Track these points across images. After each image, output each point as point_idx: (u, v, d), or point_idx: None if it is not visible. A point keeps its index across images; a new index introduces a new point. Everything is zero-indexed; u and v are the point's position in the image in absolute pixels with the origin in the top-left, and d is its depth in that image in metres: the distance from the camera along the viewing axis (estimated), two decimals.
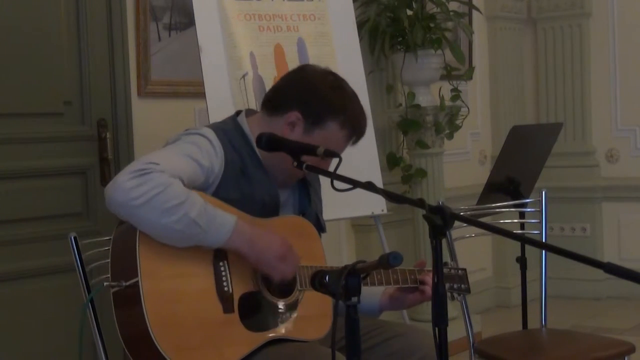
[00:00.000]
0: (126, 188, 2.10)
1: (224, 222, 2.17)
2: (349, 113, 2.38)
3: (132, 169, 2.13)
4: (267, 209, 2.36)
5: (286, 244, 2.25)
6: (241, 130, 2.41)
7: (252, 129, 2.41)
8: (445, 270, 2.46)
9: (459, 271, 2.56)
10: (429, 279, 2.43)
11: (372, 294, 2.48)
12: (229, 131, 2.39)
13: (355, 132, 2.42)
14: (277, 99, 2.43)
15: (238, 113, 2.49)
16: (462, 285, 2.55)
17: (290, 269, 2.25)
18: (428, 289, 2.43)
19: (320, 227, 2.51)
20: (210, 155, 2.28)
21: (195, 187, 2.25)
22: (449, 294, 2.51)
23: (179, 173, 2.18)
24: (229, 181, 2.31)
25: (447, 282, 2.50)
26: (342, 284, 1.87)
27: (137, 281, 2.09)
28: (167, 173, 2.14)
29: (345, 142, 2.41)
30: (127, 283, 2.11)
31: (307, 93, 2.40)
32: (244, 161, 2.35)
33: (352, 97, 2.43)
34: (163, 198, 2.10)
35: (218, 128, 2.38)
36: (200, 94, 3.33)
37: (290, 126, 2.38)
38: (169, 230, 2.11)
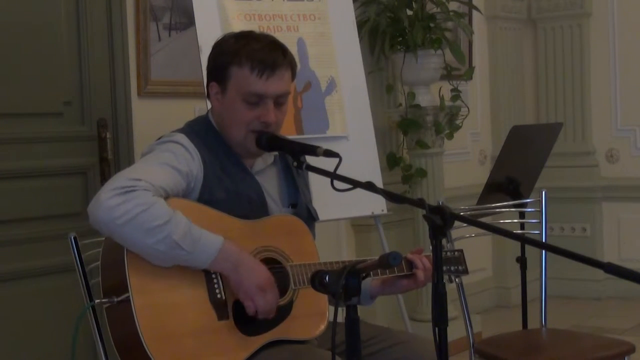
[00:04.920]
0: (109, 206, 2.07)
1: (209, 244, 2.14)
2: (245, 50, 2.31)
3: (114, 185, 2.10)
4: (255, 205, 2.34)
5: (270, 278, 2.20)
6: (213, 128, 2.40)
7: (215, 123, 2.40)
8: None
9: (455, 253, 2.54)
10: (420, 263, 2.40)
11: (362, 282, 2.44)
12: (201, 132, 2.37)
13: (256, 64, 2.29)
14: (205, 85, 2.44)
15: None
16: (459, 267, 2.53)
17: (267, 305, 2.19)
18: (420, 274, 2.39)
19: (312, 217, 2.50)
20: (187, 160, 2.26)
21: (179, 194, 2.23)
22: (446, 277, 2.49)
23: (160, 184, 2.16)
24: (212, 182, 2.29)
25: (443, 265, 2.47)
26: (342, 284, 1.87)
27: (128, 296, 2.08)
28: (151, 191, 2.11)
29: (256, 79, 2.29)
30: (119, 299, 2.10)
31: (212, 59, 2.40)
32: (222, 159, 2.34)
33: (253, 37, 2.37)
34: (146, 218, 2.07)
35: (190, 131, 2.36)
36: (200, 94, 3.33)
37: (215, 98, 2.38)
38: (152, 250, 2.09)
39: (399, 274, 2.42)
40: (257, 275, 2.18)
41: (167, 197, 2.18)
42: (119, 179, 2.14)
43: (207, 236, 2.15)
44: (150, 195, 2.11)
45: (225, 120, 2.36)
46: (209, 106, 2.47)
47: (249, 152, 2.38)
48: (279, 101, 2.35)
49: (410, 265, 2.42)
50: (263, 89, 2.31)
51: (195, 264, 2.15)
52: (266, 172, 2.45)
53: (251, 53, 2.31)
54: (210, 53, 2.43)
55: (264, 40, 2.37)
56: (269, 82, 2.31)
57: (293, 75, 2.41)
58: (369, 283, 2.49)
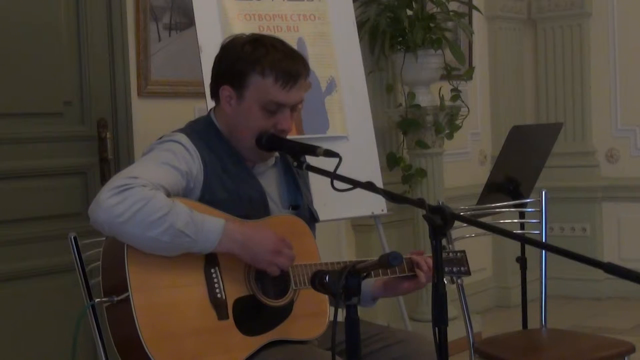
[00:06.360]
0: (109, 206, 2.08)
1: (212, 227, 2.15)
2: (267, 59, 2.30)
3: (112, 185, 2.11)
4: (256, 206, 2.34)
5: (278, 237, 2.23)
6: (214, 128, 2.39)
7: (220, 124, 2.40)
8: (443, 254, 2.44)
9: (458, 254, 2.55)
10: (424, 264, 2.41)
11: (364, 283, 2.44)
12: (202, 132, 2.37)
13: (281, 75, 2.29)
14: (211, 85, 2.41)
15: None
16: (462, 268, 2.54)
17: (289, 259, 2.24)
18: (422, 276, 2.40)
19: (313, 218, 2.50)
20: (186, 160, 2.26)
21: (179, 194, 2.23)
22: (448, 277, 2.49)
23: (159, 182, 2.16)
24: (212, 182, 2.29)
25: (446, 266, 2.48)
26: (342, 284, 1.87)
27: (128, 295, 2.08)
28: (148, 186, 2.12)
29: (279, 89, 2.30)
30: (119, 298, 2.10)
31: (225, 62, 2.37)
32: (223, 160, 2.34)
33: (271, 44, 2.35)
34: (146, 212, 2.08)
35: (191, 131, 2.36)
36: (200, 94, 3.33)
37: (227, 102, 2.36)
38: (157, 242, 2.10)
39: (400, 275, 2.42)
40: (266, 242, 2.21)
41: (167, 195, 2.18)
42: (117, 179, 2.15)
43: (210, 220, 2.16)
44: (147, 190, 2.11)
45: (238, 125, 2.35)
46: (209, 106, 2.47)
47: (261, 157, 2.39)
48: (294, 108, 2.36)
49: (411, 265, 2.42)
50: (285, 98, 2.31)
51: (201, 248, 2.15)
52: (267, 174, 2.45)
53: (275, 63, 2.30)
54: (222, 55, 2.40)
55: (281, 47, 2.36)
56: (291, 93, 2.32)
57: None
58: (371, 285, 2.49)
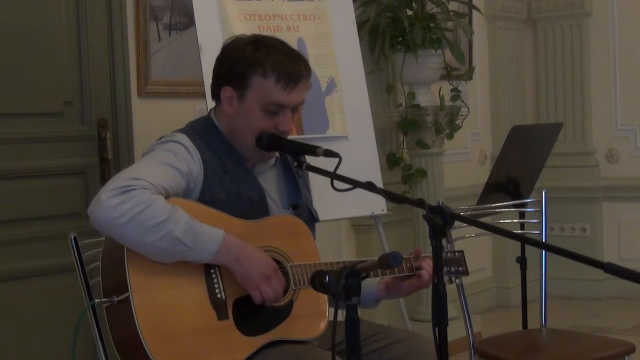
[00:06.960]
0: (109, 206, 2.08)
1: (211, 238, 2.15)
2: (269, 60, 2.30)
3: (114, 185, 2.11)
4: (255, 206, 2.34)
5: (273, 265, 2.22)
6: (215, 128, 2.39)
7: (220, 124, 2.40)
8: None
9: (456, 254, 2.54)
10: (425, 264, 2.41)
11: (367, 284, 2.43)
12: (202, 132, 2.37)
13: (283, 76, 2.29)
14: (212, 86, 2.41)
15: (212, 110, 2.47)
16: (460, 268, 2.53)
17: (274, 292, 2.21)
18: (425, 274, 2.40)
19: (313, 218, 2.50)
20: (187, 160, 2.26)
21: (179, 194, 2.23)
22: (446, 277, 2.49)
23: (161, 183, 2.16)
24: (212, 182, 2.29)
25: (444, 266, 2.47)
26: (342, 284, 1.87)
27: (129, 296, 2.09)
28: (150, 190, 2.12)
29: (280, 90, 2.30)
30: (119, 298, 2.11)
31: (226, 63, 2.37)
32: (223, 160, 2.34)
33: (272, 45, 2.35)
34: (146, 216, 2.08)
35: (191, 131, 2.36)
36: (200, 94, 3.33)
37: (228, 103, 2.36)
38: (153, 247, 2.10)
39: (400, 274, 2.42)
40: (260, 264, 2.19)
41: (167, 196, 2.18)
42: (119, 179, 2.14)
43: (209, 230, 2.15)
44: (149, 193, 2.11)
45: (239, 126, 2.35)
46: (209, 106, 2.47)
47: (262, 157, 2.39)
48: (295, 109, 2.37)
49: (411, 266, 2.42)
50: (286, 99, 2.31)
51: (197, 258, 2.15)
52: (267, 174, 2.45)
53: (276, 64, 2.30)
54: (223, 56, 2.40)
55: (282, 48, 2.35)
56: (292, 93, 2.32)
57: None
58: (375, 287, 2.49)
